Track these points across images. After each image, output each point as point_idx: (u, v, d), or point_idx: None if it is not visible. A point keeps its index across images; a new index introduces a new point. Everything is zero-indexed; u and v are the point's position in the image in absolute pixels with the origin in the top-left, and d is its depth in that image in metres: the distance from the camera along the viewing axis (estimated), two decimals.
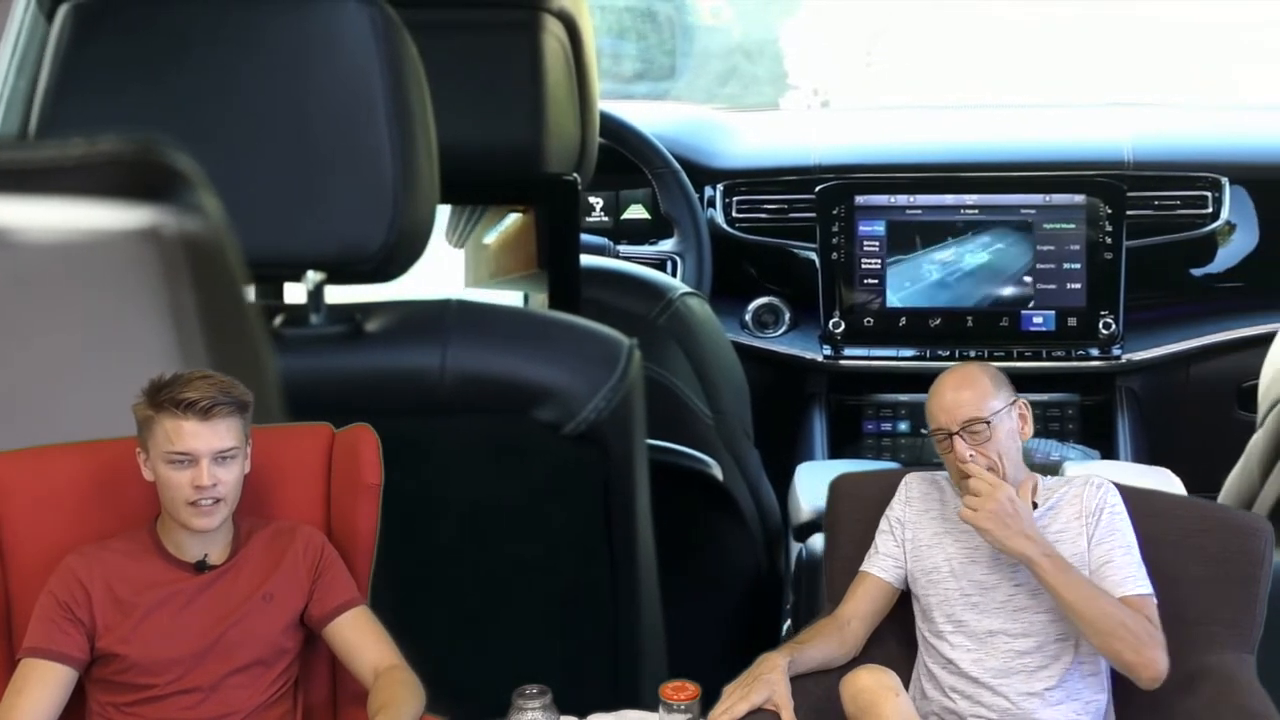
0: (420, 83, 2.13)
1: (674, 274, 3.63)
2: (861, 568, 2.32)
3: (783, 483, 3.24)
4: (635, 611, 2.32)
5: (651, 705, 2.17)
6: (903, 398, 3.76)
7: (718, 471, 2.95)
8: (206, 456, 1.99)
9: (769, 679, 2.16)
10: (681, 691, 2.16)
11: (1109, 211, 3.62)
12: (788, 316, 3.78)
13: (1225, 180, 3.67)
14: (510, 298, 2.79)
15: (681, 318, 2.96)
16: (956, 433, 2.18)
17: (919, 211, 3.69)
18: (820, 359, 3.71)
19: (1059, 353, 3.65)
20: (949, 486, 2.29)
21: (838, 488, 2.45)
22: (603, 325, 2.39)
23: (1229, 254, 3.75)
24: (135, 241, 1.92)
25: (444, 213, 2.85)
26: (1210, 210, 3.68)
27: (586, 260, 2.86)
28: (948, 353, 3.67)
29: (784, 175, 3.80)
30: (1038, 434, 3.72)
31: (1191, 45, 4.92)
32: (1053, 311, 3.66)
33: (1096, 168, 3.70)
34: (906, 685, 2.22)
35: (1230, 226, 3.72)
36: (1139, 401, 3.70)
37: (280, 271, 2.18)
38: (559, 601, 2.33)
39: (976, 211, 3.68)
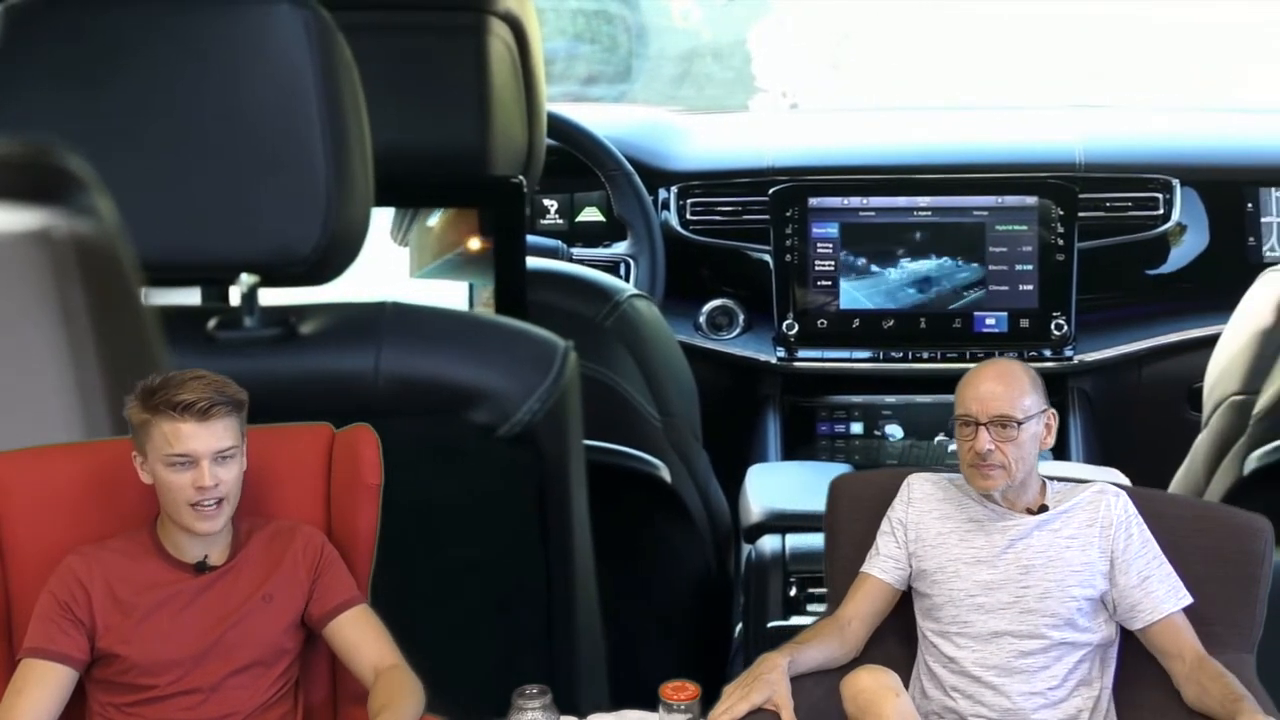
0: (354, 86, 2.13)
1: (627, 276, 3.63)
2: (862, 569, 2.32)
3: (737, 484, 3.25)
4: (571, 613, 2.32)
5: (586, 710, 2.17)
6: (856, 399, 3.77)
7: (665, 473, 2.96)
8: (206, 457, 2.00)
9: (769, 679, 2.16)
10: (681, 691, 2.16)
11: (1061, 213, 3.63)
12: (742, 319, 3.78)
13: (1176, 182, 3.69)
14: (456, 288, 2.78)
15: (629, 320, 2.96)
16: (984, 424, 2.17)
17: (872, 213, 3.70)
18: (774, 361, 3.71)
19: (1011, 354, 3.66)
20: (952, 487, 2.29)
21: (838, 488, 2.44)
22: (538, 327, 2.39)
23: (1180, 255, 3.77)
24: (25, 243, 1.91)
25: (389, 212, 2.85)
26: (1161, 211, 3.70)
27: (533, 262, 2.86)
28: (901, 354, 3.69)
29: (738, 177, 3.80)
30: None
31: (1164, 44, 4.95)
32: (1005, 313, 3.67)
33: (1048, 169, 3.71)
34: (907, 684, 2.22)
35: (1181, 228, 3.74)
36: (1091, 402, 3.72)
37: (213, 274, 2.18)
38: (494, 603, 2.33)
39: (929, 213, 3.69)
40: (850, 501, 2.41)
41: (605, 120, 3.87)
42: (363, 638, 2.12)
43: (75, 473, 2.13)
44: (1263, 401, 2.84)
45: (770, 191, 3.70)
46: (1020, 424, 2.17)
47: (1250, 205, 3.73)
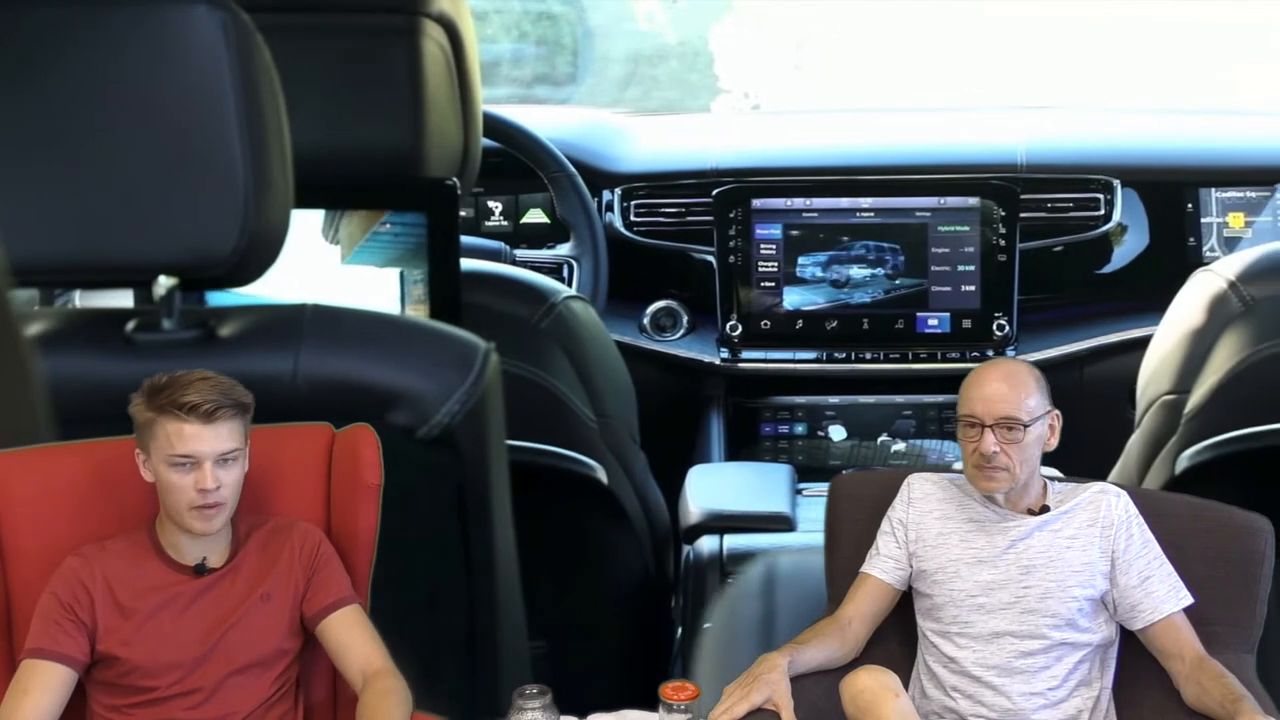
0: (274, 88, 2.12)
1: (570, 278, 3.63)
2: (862, 569, 2.32)
3: (680, 486, 3.25)
4: (493, 615, 2.32)
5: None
6: (800, 400, 3.78)
7: (602, 475, 2.95)
8: (209, 459, 2.01)
9: (769, 679, 2.17)
10: (681, 691, 2.17)
11: (1003, 214, 3.64)
12: (686, 320, 3.79)
13: (1117, 183, 3.71)
14: (387, 277, 2.77)
15: (564, 321, 2.96)
16: (990, 426, 2.17)
17: (816, 215, 3.71)
18: (718, 362, 3.72)
19: (954, 354, 3.67)
20: (952, 486, 2.29)
21: (838, 488, 2.44)
22: (459, 329, 2.39)
23: (1121, 256, 3.78)
24: None
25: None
26: (1102, 212, 3.71)
27: (468, 264, 2.85)
28: (844, 355, 3.70)
29: (682, 179, 3.80)
30: (933, 435, 3.75)
31: (1129, 44, 4.98)
32: (947, 314, 3.69)
33: (990, 170, 3.72)
34: (907, 684, 2.23)
35: (1122, 228, 3.75)
36: None
37: (131, 277, 2.17)
38: (415, 605, 2.32)
39: (872, 214, 3.70)
40: (850, 501, 2.41)
41: (549, 122, 3.87)
42: (352, 639, 2.13)
43: (75, 472, 2.14)
44: (1193, 401, 2.86)
45: (714, 193, 3.71)
46: (1026, 426, 2.18)
47: (1190, 206, 3.75)
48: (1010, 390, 2.19)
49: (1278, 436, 2.71)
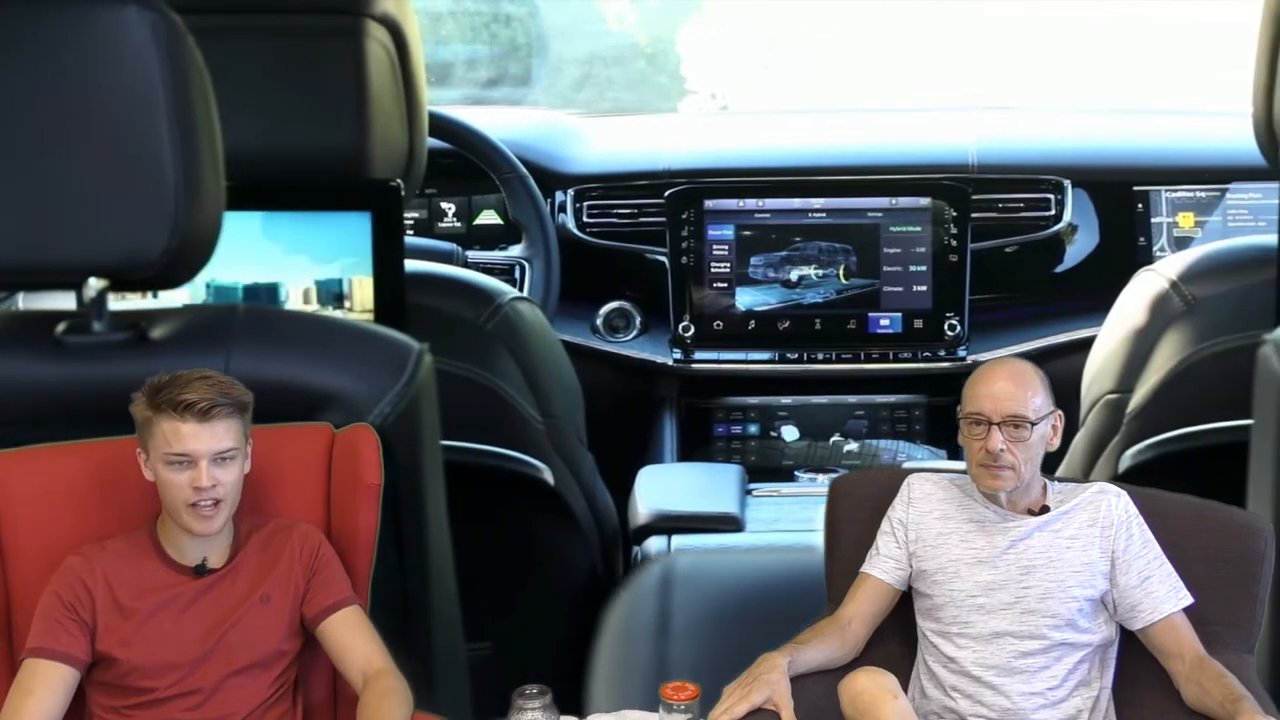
0: (205, 90, 2.12)
1: (523, 279, 3.63)
2: (862, 569, 2.31)
3: (632, 487, 3.25)
4: (427, 616, 2.32)
5: (448, 713, 2.17)
6: (752, 400, 3.79)
7: (548, 476, 2.95)
8: (206, 458, 2.02)
9: (769, 679, 2.16)
10: (681, 691, 2.17)
11: (954, 214, 3.65)
12: (638, 321, 3.79)
13: (1067, 183, 3.72)
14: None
15: (510, 322, 2.96)
16: (997, 424, 2.16)
17: (768, 215, 3.71)
18: (670, 363, 3.72)
19: (905, 354, 3.69)
20: (952, 487, 2.29)
21: (838, 488, 2.43)
22: (392, 330, 2.39)
23: (1073, 255, 3.80)
24: None
25: None
26: (1053, 212, 3.73)
27: (413, 265, 2.85)
28: (797, 355, 3.70)
29: (634, 180, 3.81)
30: (886, 435, 3.77)
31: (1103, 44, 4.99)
32: (899, 314, 3.70)
33: (942, 171, 3.73)
34: (906, 684, 2.23)
35: (1073, 228, 3.77)
36: None
37: (61, 278, 2.16)
38: None
39: (825, 215, 3.71)
40: (850, 501, 2.40)
41: (502, 123, 3.87)
42: (353, 640, 2.14)
43: (75, 472, 2.15)
44: (1135, 400, 2.88)
45: (666, 194, 3.71)
46: (1032, 425, 2.17)
47: (1140, 206, 3.77)
48: (1017, 389, 2.19)
49: (1219, 435, 2.73)
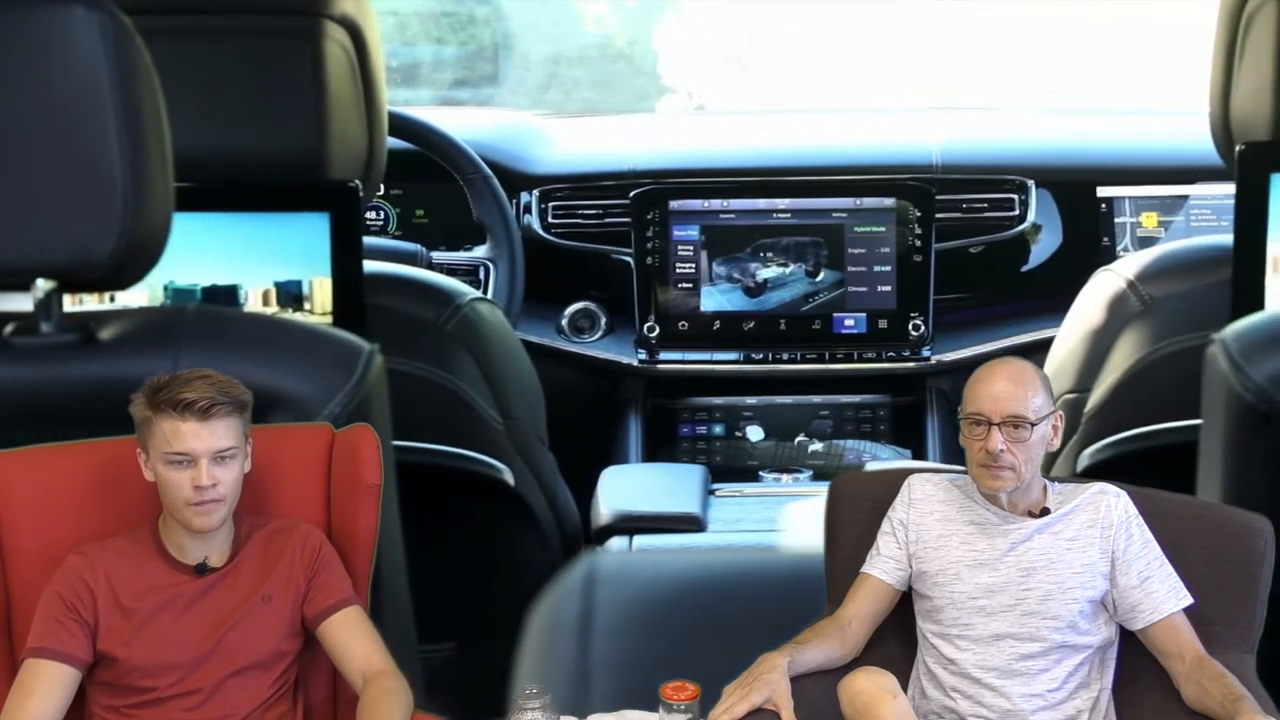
0: (154, 90, 2.11)
1: (487, 280, 3.63)
2: (863, 569, 2.30)
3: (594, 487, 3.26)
4: (377, 615, 2.31)
5: None
6: (717, 401, 3.79)
7: (508, 476, 2.96)
8: (205, 457, 2.02)
9: (769, 679, 2.15)
10: (681, 691, 2.16)
11: (918, 214, 3.66)
12: (604, 321, 3.79)
13: (1031, 183, 3.73)
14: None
15: (470, 323, 2.96)
16: (997, 424, 2.16)
17: (733, 216, 3.72)
18: (635, 363, 3.72)
19: (870, 354, 3.70)
20: (953, 488, 2.29)
21: (838, 488, 2.42)
22: (343, 330, 2.39)
23: (1037, 256, 3.81)
24: None
25: None
26: (1017, 212, 3.74)
27: (373, 266, 2.85)
28: (762, 356, 3.71)
29: (600, 180, 3.80)
30: (850, 434, 3.77)
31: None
32: (864, 314, 3.70)
33: (906, 171, 3.74)
34: (906, 684, 2.23)
35: (1036, 228, 3.78)
36: (950, 401, 3.75)
37: (8, 279, 2.16)
38: None
39: (789, 215, 3.71)
40: (850, 501, 2.39)
41: (467, 124, 3.87)
42: (353, 640, 2.14)
43: (76, 472, 2.15)
44: (1093, 400, 2.89)
45: (631, 194, 3.71)
46: (1033, 425, 2.16)
47: (1104, 206, 3.78)
48: (1017, 389, 2.18)
49: (1175, 434, 2.74)
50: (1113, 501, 2.21)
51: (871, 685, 2.12)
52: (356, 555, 2.21)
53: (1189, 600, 2.17)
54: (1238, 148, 2.67)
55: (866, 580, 2.30)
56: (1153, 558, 2.19)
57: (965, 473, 2.26)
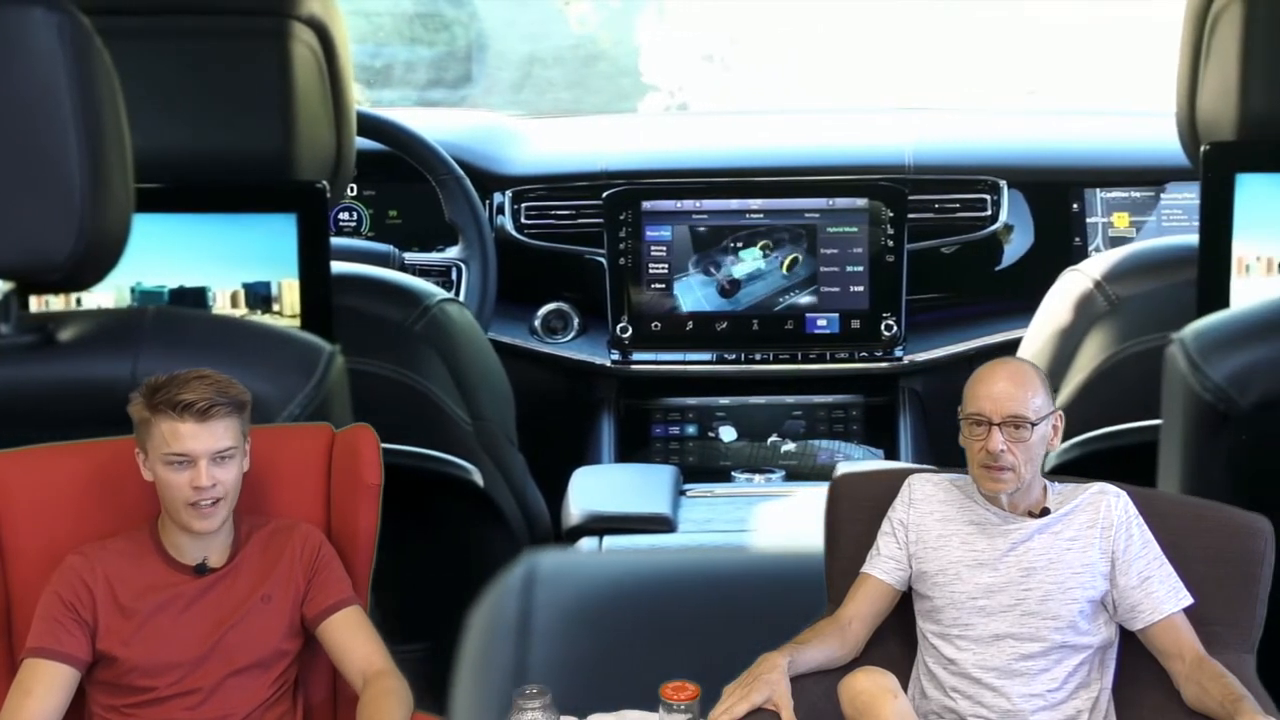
0: (113, 92, 2.11)
1: (459, 281, 3.63)
2: (863, 569, 2.30)
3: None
4: None
5: None
6: (690, 401, 3.80)
7: (477, 477, 2.96)
8: (204, 457, 2.03)
9: (769, 679, 2.15)
10: (681, 691, 2.15)
11: (891, 214, 3.66)
12: (576, 322, 3.79)
13: (1003, 183, 3.74)
14: None
15: (439, 324, 2.96)
16: (997, 424, 2.15)
17: (706, 216, 3.72)
18: (608, 364, 3.72)
19: (842, 355, 3.70)
20: (953, 488, 2.28)
21: (838, 488, 2.41)
22: (303, 332, 2.39)
23: (1009, 256, 3.82)
24: None
25: None
26: (989, 213, 3.74)
27: (341, 267, 2.85)
28: (735, 356, 3.71)
29: (573, 181, 3.81)
30: (823, 434, 3.78)
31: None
32: (836, 314, 3.71)
33: (879, 172, 3.75)
34: (906, 684, 2.22)
35: (1009, 228, 3.79)
36: (922, 401, 3.76)
37: None
38: None
39: (762, 216, 3.72)
40: (850, 501, 2.38)
41: (440, 125, 3.87)
42: (353, 640, 2.15)
43: (76, 472, 2.16)
44: (1060, 399, 2.89)
45: (604, 195, 3.71)
46: (1033, 425, 2.16)
47: (1076, 206, 3.79)
48: (1017, 389, 2.18)
49: (1142, 434, 2.75)
50: (1113, 501, 2.21)
51: (872, 685, 2.11)
52: (356, 555, 2.22)
53: (1189, 600, 2.17)
54: (1203, 147, 2.68)
55: (866, 580, 2.29)
56: (1153, 558, 2.19)
57: (966, 473, 2.26)
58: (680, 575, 2.48)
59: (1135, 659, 2.22)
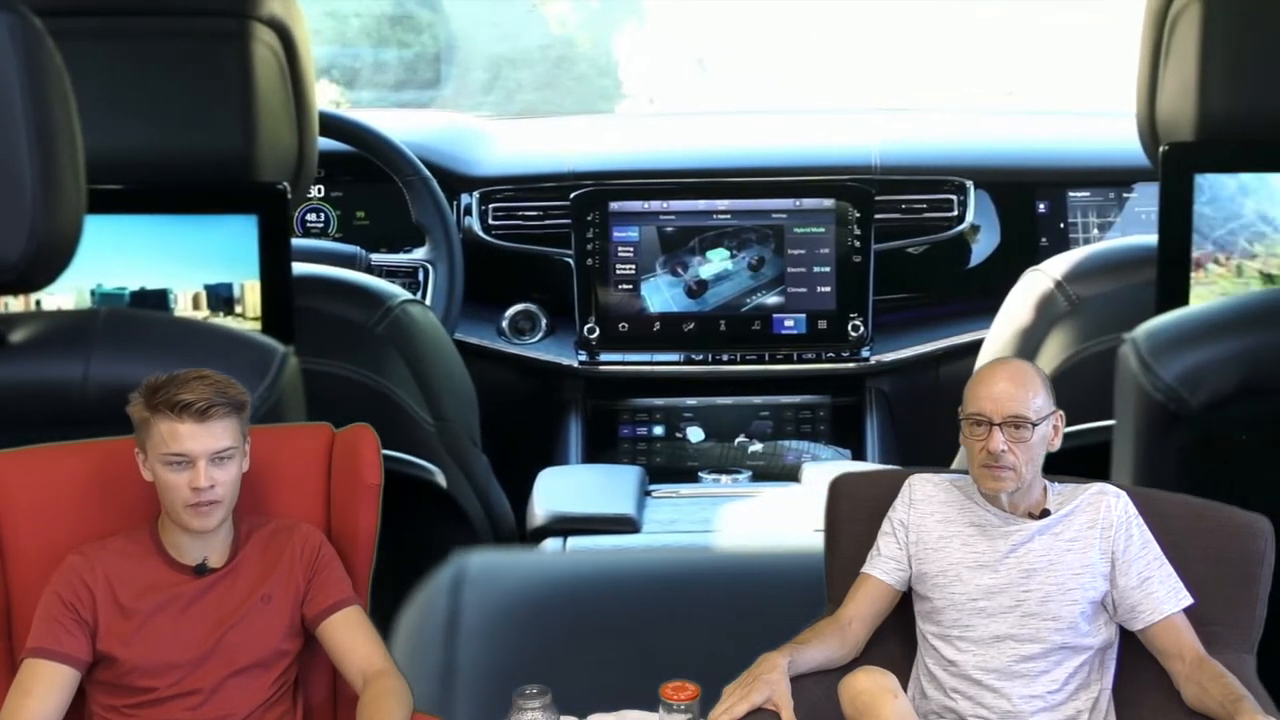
0: (65, 93, 2.10)
1: (426, 282, 3.63)
2: (863, 569, 2.30)
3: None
4: None
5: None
6: (658, 402, 3.80)
7: (440, 478, 2.95)
8: (203, 458, 2.02)
9: (769, 679, 2.15)
10: (681, 691, 2.15)
11: (858, 215, 3.67)
12: (544, 323, 3.79)
13: (970, 184, 3.75)
14: None
15: (401, 325, 2.96)
16: (998, 424, 2.15)
17: (673, 217, 3.73)
18: (576, 365, 3.72)
19: (810, 355, 3.70)
20: (954, 489, 2.28)
21: (838, 488, 2.41)
22: (256, 333, 2.39)
23: (976, 256, 3.83)
24: None
25: None
26: (956, 213, 3.75)
27: (303, 268, 2.85)
28: (702, 357, 3.72)
29: (540, 182, 3.81)
30: (790, 435, 3.78)
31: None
32: (803, 315, 3.71)
33: (845, 172, 3.75)
34: (906, 684, 2.22)
35: (975, 229, 3.79)
36: (889, 402, 3.77)
37: None
38: None
39: (729, 216, 3.72)
40: (850, 501, 2.38)
41: (407, 126, 3.87)
42: (353, 640, 2.14)
43: (75, 472, 2.15)
44: None
45: (571, 196, 3.71)
46: (1034, 425, 2.16)
47: (1042, 207, 3.80)
48: (1018, 389, 2.18)
49: (1102, 434, 2.75)
50: (1112, 502, 2.21)
51: (872, 685, 2.11)
52: (356, 555, 2.21)
53: (1189, 600, 2.18)
54: (1161, 148, 2.69)
55: (867, 580, 2.29)
56: (1152, 558, 2.20)
57: (966, 473, 2.26)
58: (611, 576, 2.48)
59: (1135, 659, 2.22)
